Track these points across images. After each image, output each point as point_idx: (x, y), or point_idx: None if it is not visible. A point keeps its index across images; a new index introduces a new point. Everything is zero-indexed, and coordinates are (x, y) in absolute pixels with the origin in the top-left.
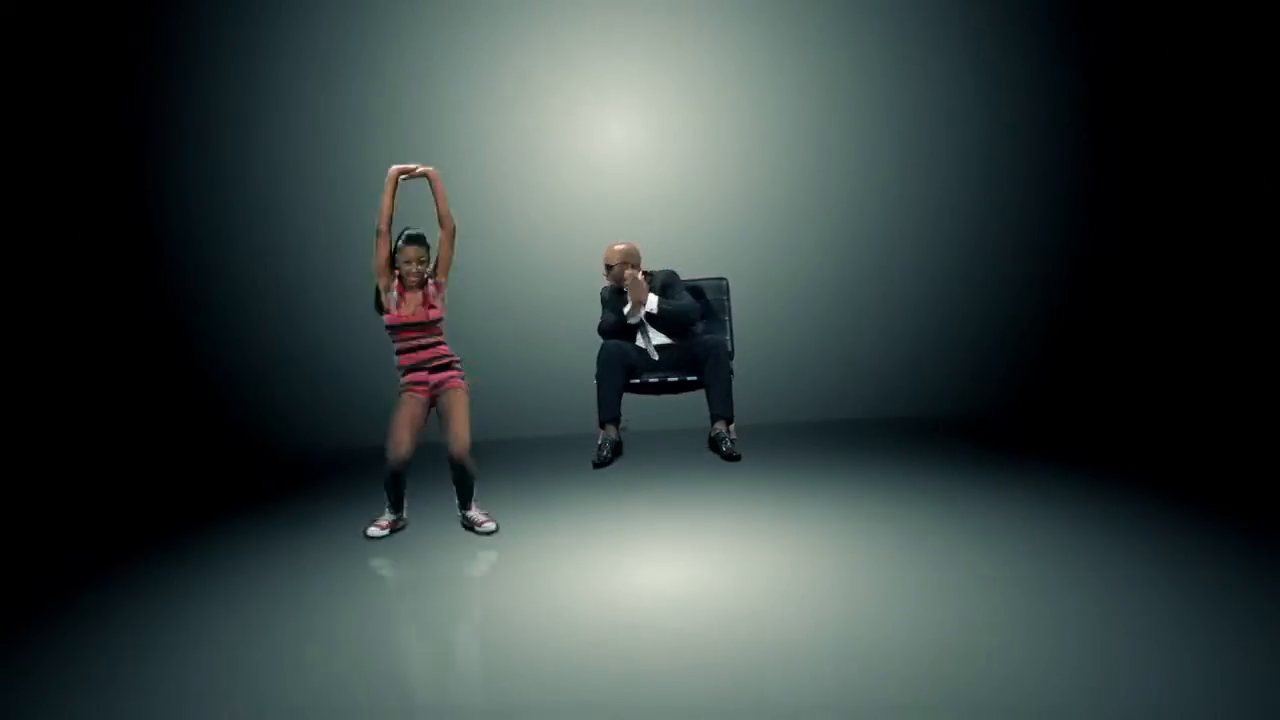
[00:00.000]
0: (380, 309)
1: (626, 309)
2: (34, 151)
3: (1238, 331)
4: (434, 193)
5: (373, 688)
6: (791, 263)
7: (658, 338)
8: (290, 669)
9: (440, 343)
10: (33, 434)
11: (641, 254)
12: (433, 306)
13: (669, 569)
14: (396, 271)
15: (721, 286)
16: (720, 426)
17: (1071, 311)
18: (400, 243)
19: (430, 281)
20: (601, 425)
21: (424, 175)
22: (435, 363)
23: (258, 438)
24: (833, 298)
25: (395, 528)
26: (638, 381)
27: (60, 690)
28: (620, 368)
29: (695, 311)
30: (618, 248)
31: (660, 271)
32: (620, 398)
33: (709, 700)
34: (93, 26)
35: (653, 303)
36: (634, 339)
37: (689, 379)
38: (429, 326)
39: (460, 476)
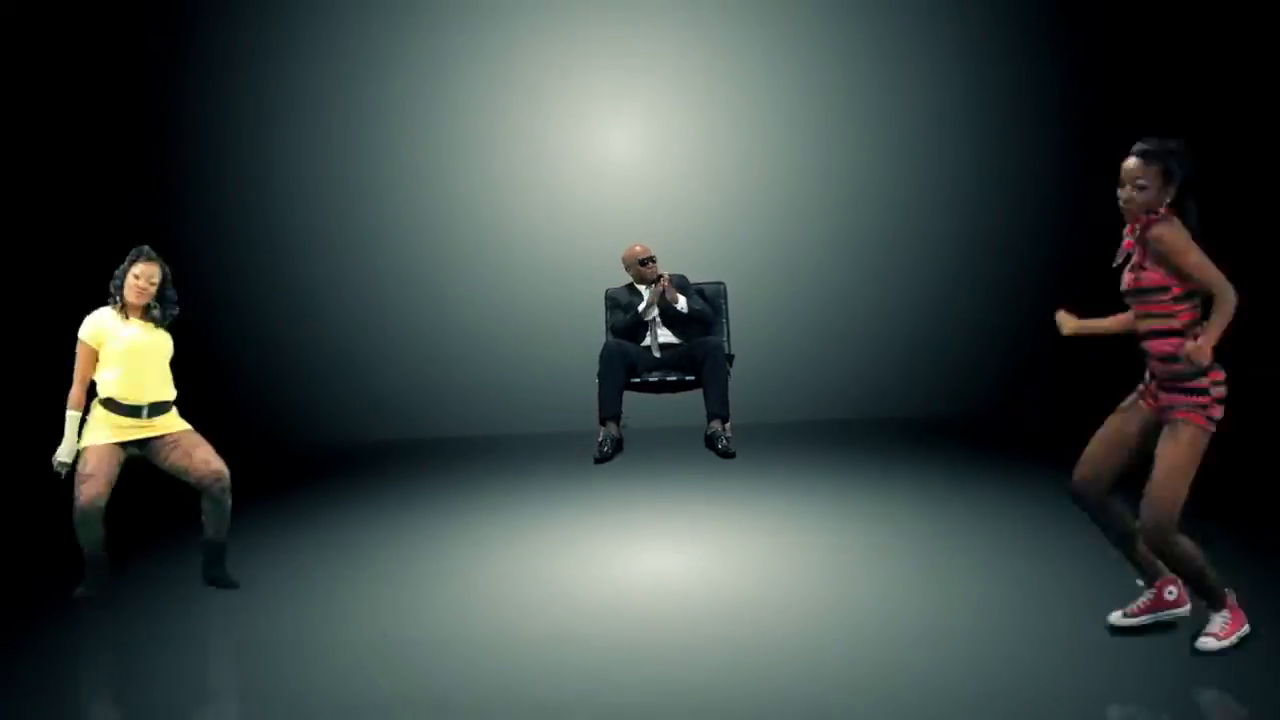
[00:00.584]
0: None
1: (642, 306)
2: (49, 152)
3: (1233, 330)
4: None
5: (370, 678)
6: (787, 266)
7: (665, 336)
8: (288, 660)
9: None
10: (46, 429)
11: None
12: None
13: (666, 559)
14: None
15: (720, 290)
16: (717, 425)
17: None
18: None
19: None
20: (602, 422)
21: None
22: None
23: (265, 432)
24: (828, 301)
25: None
26: (638, 381)
27: (74, 680)
28: (621, 367)
29: (710, 314)
30: (647, 248)
31: (675, 275)
32: (621, 396)
33: (706, 683)
34: (111, 28)
35: (683, 303)
36: (641, 338)
37: (687, 379)
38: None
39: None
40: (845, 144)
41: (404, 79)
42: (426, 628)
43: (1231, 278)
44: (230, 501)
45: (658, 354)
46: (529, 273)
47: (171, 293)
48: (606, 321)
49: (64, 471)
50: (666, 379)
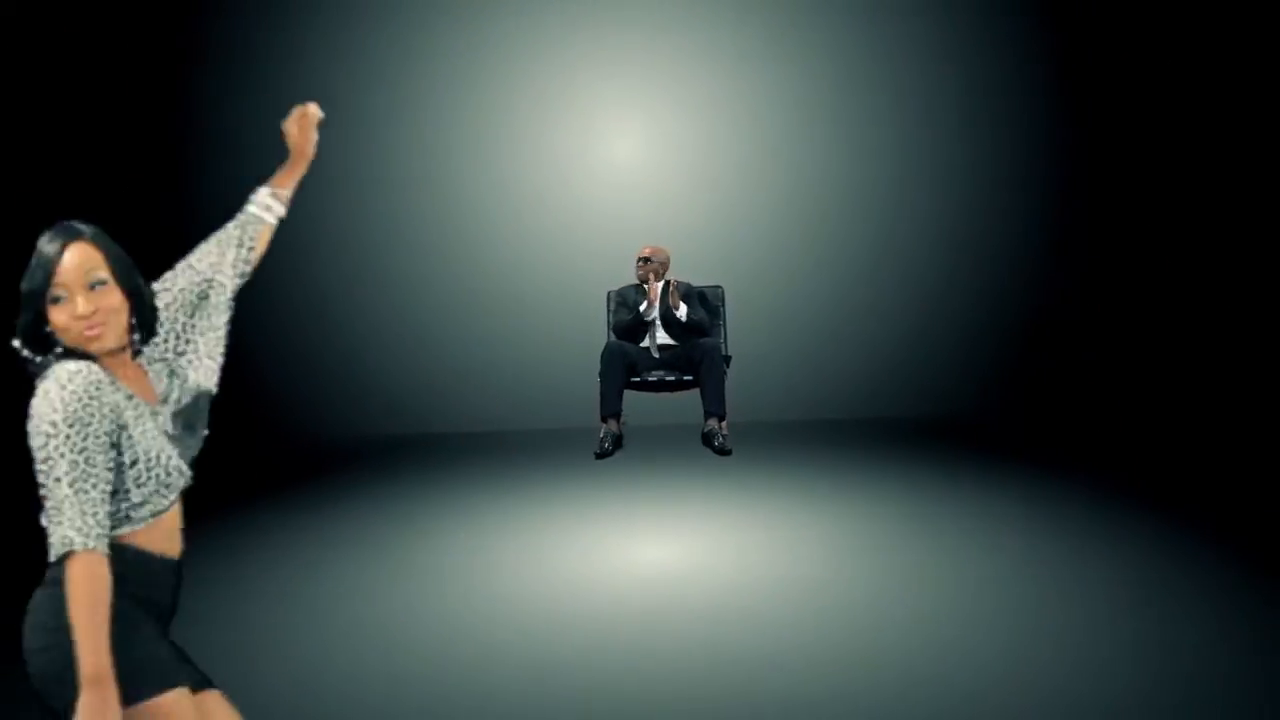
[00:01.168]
0: None
1: (644, 306)
2: (71, 152)
3: (1220, 331)
4: None
5: (377, 663)
6: (784, 270)
7: (663, 338)
8: (294, 645)
9: None
10: None
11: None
12: None
13: (662, 550)
14: None
15: (718, 294)
16: (713, 423)
17: (1055, 314)
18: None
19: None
20: (603, 419)
21: None
22: None
23: (275, 426)
24: (823, 304)
25: None
26: (638, 380)
27: None
28: (622, 367)
29: (708, 324)
30: (657, 249)
31: (681, 282)
32: (621, 394)
33: (699, 667)
34: (128, 28)
35: (683, 311)
36: (641, 338)
37: (685, 379)
38: None
39: None
40: (840, 150)
41: (415, 84)
42: (429, 614)
43: (1230, 276)
44: None
45: (656, 354)
46: (533, 274)
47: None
48: (608, 321)
49: None
50: (665, 378)
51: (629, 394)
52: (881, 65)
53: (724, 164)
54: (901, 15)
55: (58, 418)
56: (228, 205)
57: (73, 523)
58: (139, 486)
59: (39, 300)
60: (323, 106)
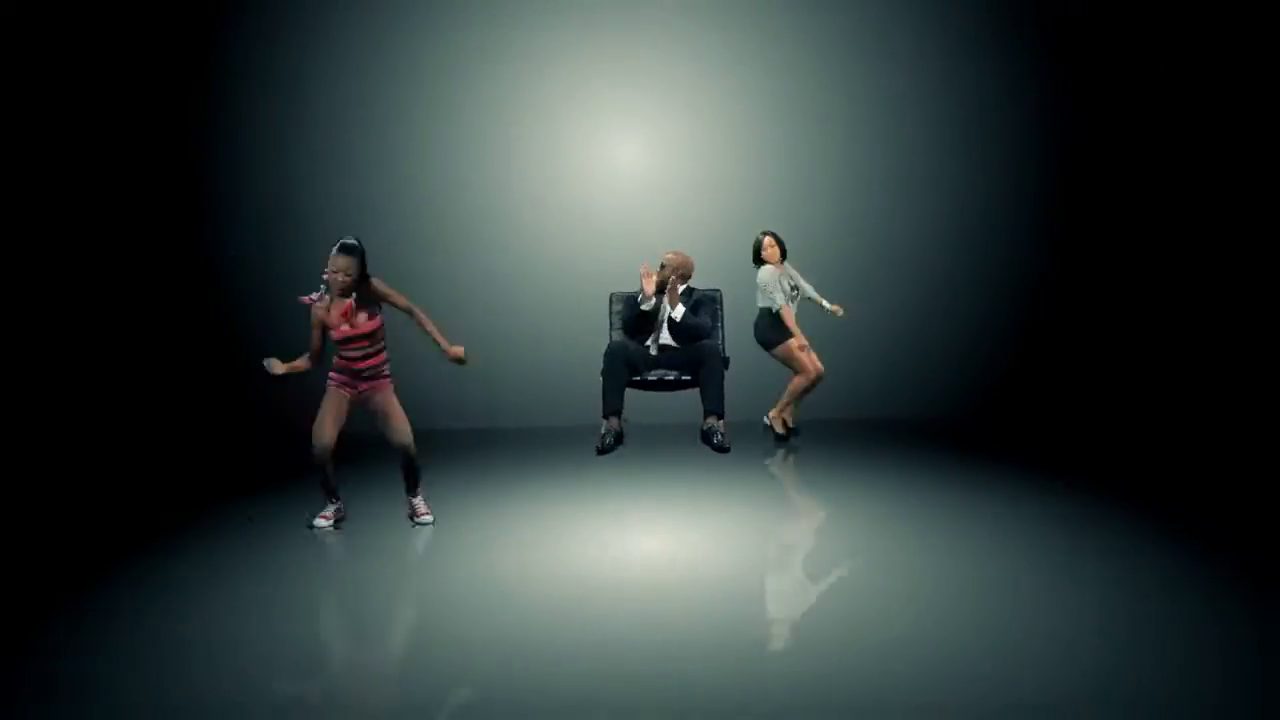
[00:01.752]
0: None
1: (640, 297)
2: (96, 153)
3: (1219, 333)
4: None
5: (383, 649)
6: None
7: (665, 339)
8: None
9: (377, 352)
10: (98, 418)
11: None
12: (361, 320)
13: (660, 542)
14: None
15: (715, 297)
16: (712, 421)
17: (1043, 319)
18: (333, 251)
19: (353, 297)
20: (605, 417)
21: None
22: (368, 372)
23: (286, 420)
24: (817, 308)
25: (338, 518)
26: (639, 379)
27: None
28: (624, 366)
29: (707, 330)
30: (678, 254)
31: (698, 290)
32: (623, 393)
33: (692, 651)
34: (149, 31)
35: (679, 312)
36: (643, 330)
37: (685, 378)
38: (368, 339)
39: (408, 463)
40: (836, 156)
41: (427, 91)
42: (434, 602)
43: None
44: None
45: (654, 352)
46: (538, 277)
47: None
48: (611, 323)
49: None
50: (665, 378)
51: (630, 392)
52: (878, 73)
53: (724, 170)
54: (904, 23)
55: None
56: (234, 204)
57: None
58: None
59: None
60: (336, 110)
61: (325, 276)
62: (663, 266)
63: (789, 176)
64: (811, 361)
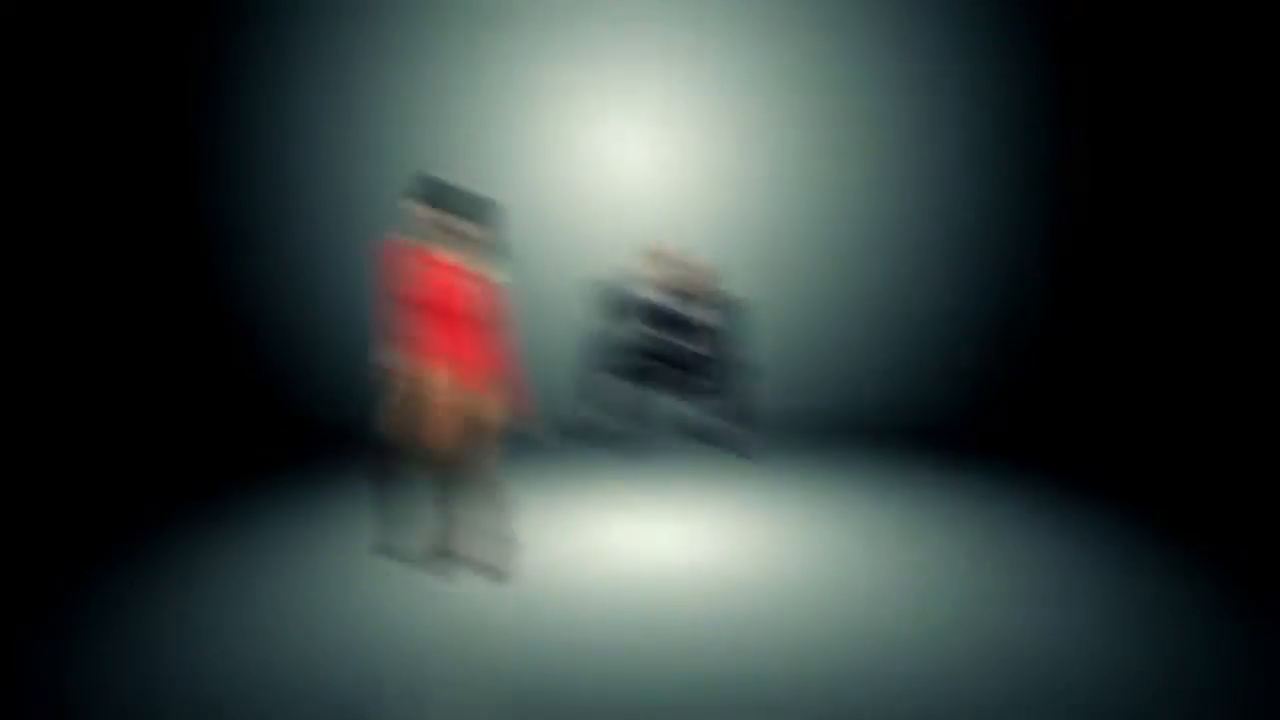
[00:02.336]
0: None
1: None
2: (101, 146)
3: (1206, 336)
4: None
5: (390, 636)
6: (780, 277)
7: (655, 334)
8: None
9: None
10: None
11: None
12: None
13: (658, 534)
14: None
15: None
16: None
17: (1033, 321)
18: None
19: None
20: (605, 414)
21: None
22: None
23: (298, 416)
24: (815, 309)
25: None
26: (638, 379)
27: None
28: (624, 365)
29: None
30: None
31: (689, 291)
32: (622, 392)
33: (685, 637)
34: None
35: (673, 309)
36: (649, 336)
37: (674, 374)
38: None
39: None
40: (833, 160)
41: (431, 92)
42: (438, 591)
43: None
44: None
45: (655, 354)
46: (542, 278)
47: None
48: (612, 324)
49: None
50: (655, 371)
51: (629, 391)
52: (875, 76)
53: (723, 175)
54: (903, 26)
55: None
56: (243, 200)
57: None
58: None
59: None
60: (344, 109)
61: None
62: (671, 267)
63: (787, 181)
64: None
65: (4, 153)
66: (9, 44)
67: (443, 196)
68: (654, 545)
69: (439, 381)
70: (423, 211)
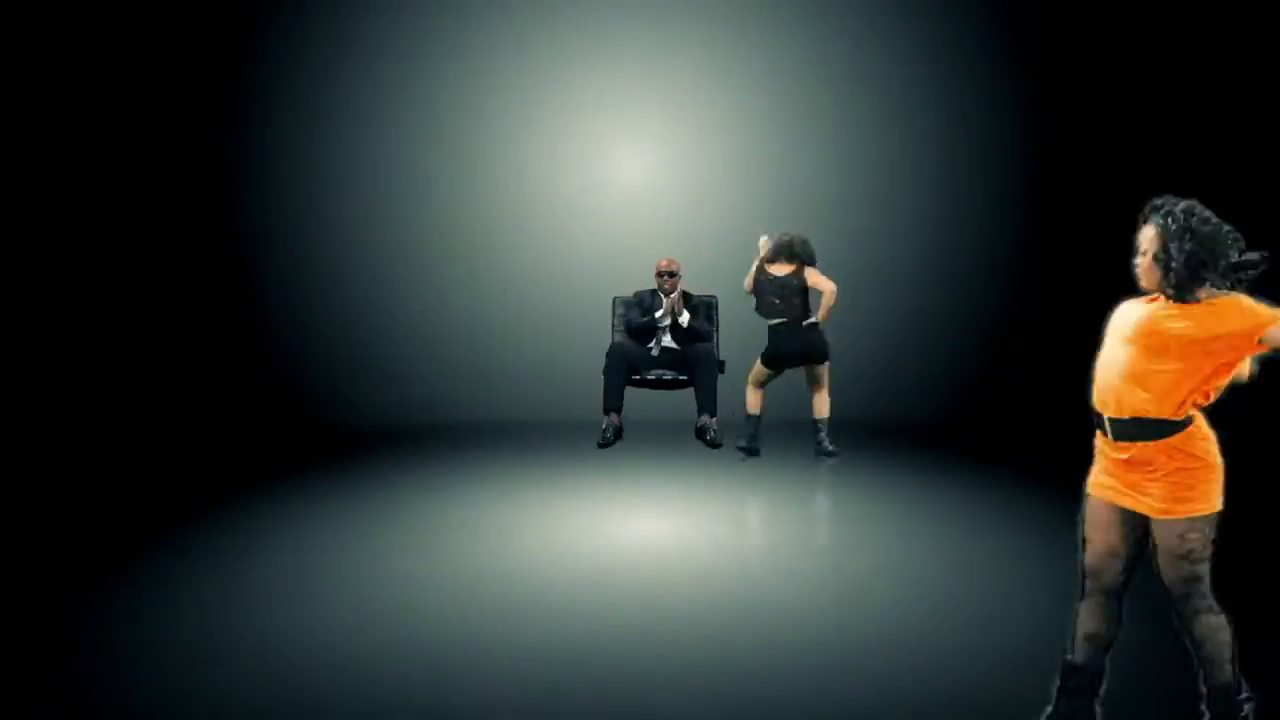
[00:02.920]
0: None
1: (659, 312)
2: (104, 148)
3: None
4: None
5: (393, 631)
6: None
7: (667, 341)
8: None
9: None
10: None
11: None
12: None
13: (656, 531)
14: None
15: (712, 302)
16: (706, 419)
17: (1023, 322)
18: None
19: None
20: (606, 412)
21: None
22: None
23: (301, 415)
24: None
25: None
26: (638, 378)
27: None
28: (624, 365)
29: (707, 334)
30: (672, 262)
31: (695, 296)
32: (623, 390)
33: (681, 631)
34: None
35: (685, 318)
36: (648, 338)
37: (681, 378)
38: None
39: None
40: (829, 164)
41: (439, 96)
42: (441, 586)
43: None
44: None
45: (655, 353)
46: (545, 278)
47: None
48: (613, 324)
49: None
50: (664, 377)
51: (630, 390)
52: (873, 80)
53: (722, 178)
54: (901, 29)
55: None
56: (251, 201)
57: None
58: None
59: None
60: (352, 115)
61: None
62: (672, 275)
63: (785, 186)
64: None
65: (23, 155)
66: (31, 45)
67: None
68: (648, 539)
69: None
70: None
